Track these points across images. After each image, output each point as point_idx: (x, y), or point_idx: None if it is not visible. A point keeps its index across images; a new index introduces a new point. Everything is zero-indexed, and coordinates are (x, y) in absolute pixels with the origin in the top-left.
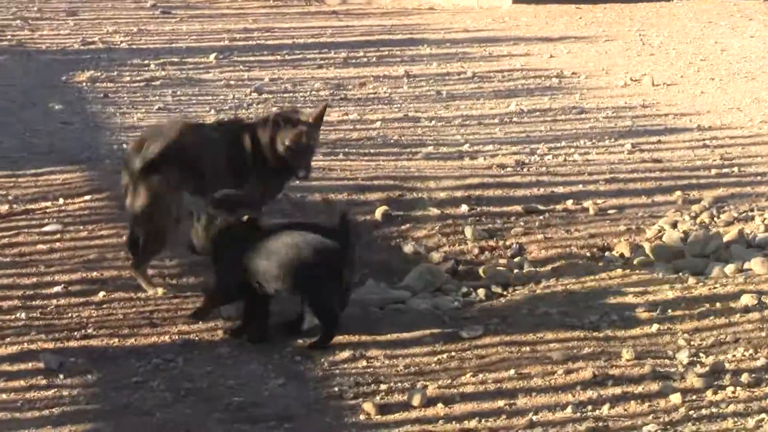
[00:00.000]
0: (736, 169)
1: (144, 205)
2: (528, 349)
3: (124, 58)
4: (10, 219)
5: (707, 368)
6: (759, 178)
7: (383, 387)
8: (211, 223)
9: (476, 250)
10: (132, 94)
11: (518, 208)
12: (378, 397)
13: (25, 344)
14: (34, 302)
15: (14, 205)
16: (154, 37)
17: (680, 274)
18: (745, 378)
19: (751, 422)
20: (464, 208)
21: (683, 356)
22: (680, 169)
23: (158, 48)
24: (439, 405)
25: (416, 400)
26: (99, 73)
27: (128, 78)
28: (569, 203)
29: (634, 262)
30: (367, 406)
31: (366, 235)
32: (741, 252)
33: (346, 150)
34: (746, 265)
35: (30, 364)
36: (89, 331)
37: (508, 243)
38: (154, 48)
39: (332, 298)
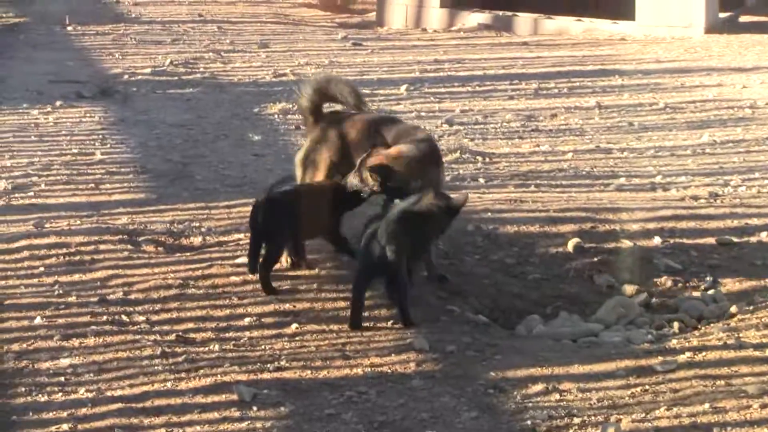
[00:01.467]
0: None
1: None
2: (723, 382)
3: None
4: (204, 251)
5: None
6: None
7: (576, 420)
8: None
9: (670, 283)
10: None
11: (712, 240)
12: (572, 431)
13: (219, 376)
14: (227, 334)
15: (207, 237)
16: (345, 68)
17: None
18: None
19: None
20: (657, 240)
21: None
22: None
23: (349, 79)
24: None
25: None
26: (291, 105)
27: None
28: (764, 235)
29: None
30: None
31: (558, 267)
32: None
33: (538, 181)
34: None
35: (224, 396)
36: (282, 363)
37: (701, 275)
38: None
39: None
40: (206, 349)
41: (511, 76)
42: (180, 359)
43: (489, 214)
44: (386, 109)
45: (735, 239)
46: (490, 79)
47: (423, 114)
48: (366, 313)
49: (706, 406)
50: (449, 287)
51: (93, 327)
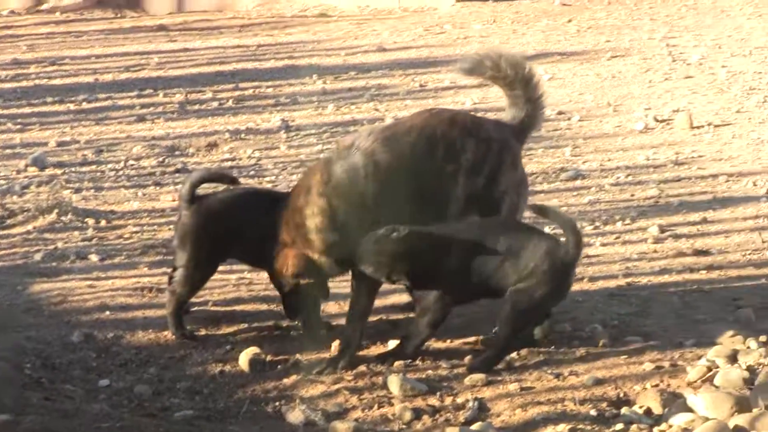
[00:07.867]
0: None
1: None
2: None
3: None
4: None
5: None
6: None
7: None
8: None
9: (408, 415)
10: None
11: (474, 338)
12: None
13: None
14: None
15: None
16: None
17: None
18: None
19: None
20: (390, 343)
21: None
22: (739, 264)
23: None
24: None
25: None
26: None
27: None
28: (562, 329)
29: (669, 422)
30: None
31: (225, 396)
32: None
33: None
34: None
35: None
36: None
37: (459, 400)
38: None
39: None
40: None
41: (142, 82)
42: None
43: (107, 313)
44: None
45: None
46: (107, 89)
47: None
48: None
49: None
50: None
51: None
